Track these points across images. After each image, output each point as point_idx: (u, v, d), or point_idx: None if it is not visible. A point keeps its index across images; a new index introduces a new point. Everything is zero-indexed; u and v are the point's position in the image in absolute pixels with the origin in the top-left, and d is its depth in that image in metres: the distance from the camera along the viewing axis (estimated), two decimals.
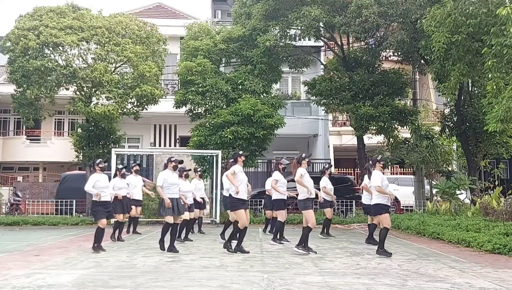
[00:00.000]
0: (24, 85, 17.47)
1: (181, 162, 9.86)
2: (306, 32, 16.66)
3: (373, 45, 17.70)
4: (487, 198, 13.86)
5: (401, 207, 19.89)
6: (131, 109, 18.73)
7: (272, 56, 18.53)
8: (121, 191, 11.19)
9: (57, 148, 25.29)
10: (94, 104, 17.85)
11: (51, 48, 17.48)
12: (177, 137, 26.61)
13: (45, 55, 17.53)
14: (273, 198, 10.82)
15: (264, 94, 18.69)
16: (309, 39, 18.35)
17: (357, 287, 6.00)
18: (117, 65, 18.51)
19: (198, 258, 8.51)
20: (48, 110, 19.23)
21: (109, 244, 10.60)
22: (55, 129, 27.35)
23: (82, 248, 9.76)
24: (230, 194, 9.27)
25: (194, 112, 18.82)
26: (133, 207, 11.81)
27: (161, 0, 29.11)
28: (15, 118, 27.27)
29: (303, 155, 9.38)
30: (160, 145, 26.54)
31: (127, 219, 12.26)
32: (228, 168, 9.64)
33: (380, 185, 8.76)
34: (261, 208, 16.31)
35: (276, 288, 5.88)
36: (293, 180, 12.16)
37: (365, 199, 10.76)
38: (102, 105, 17.62)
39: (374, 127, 17.57)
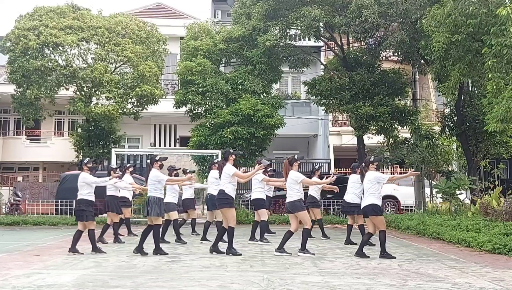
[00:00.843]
0: (24, 85, 17.49)
1: (165, 159, 9.71)
2: (306, 32, 16.66)
3: (373, 45, 17.70)
4: (487, 198, 13.85)
5: (401, 207, 19.89)
6: (131, 109, 18.75)
7: (272, 56, 18.53)
8: (117, 191, 11.19)
9: (57, 148, 25.30)
10: (94, 104, 17.87)
11: (51, 48, 17.51)
12: (177, 137, 26.62)
13: (45, 55, 17.56)
14: (252, 197, 10.80)
15: (264, 94, 18.70)
16: (309, 39, 18.36)
17: (357, 287, 6.00)
18: (117, 65, 18.54)
19: (198, 258, 8.50)
20: (48, 110, 19.25)
21: (109, 244, 10.61)
22: (55, 129, 27.36)
23: (82, 248, 9.75)
24: (221, 190, 8.91)
25: (194, 112, 18.81)
26: (123, 208, 11.74)
27: (161, 0, 29.11)
28: (15, 118, 27.28)
29: (295, 156, 9.20)
30: (160, 145, 26.56)
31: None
32: (220, 167, 9.34)
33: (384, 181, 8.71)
34: None
35: (276, 288, 5.88)
36: None
37: (352, 197, 10.59)
38: (102, 105, 17.64)
39: (374, 127, 17.57)
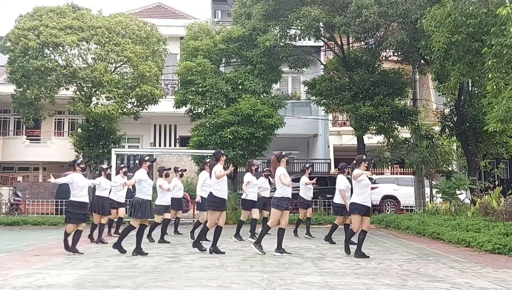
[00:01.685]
0: (24, 85, 17.48)
1: (154, 160, 9.68)
2: (306, 32, 16.66)
3: (373, 45, 17.70)
4: (487, 198, 13.85)
5: (401, 207, 19.89)
6: (131, 109, 18.74)
7: (272, 56, 18.54)
8: (104, 192, 11.09)
9: (57, 148, 25.30)
10: (94, 104, 17.86)
11: (51, 48, 17.49)
12: (177, 137, 26.62)
13: (45, 55, 17.54)
14: (243, 197, 10.94)
15: (264, 94, 18.70)
16: (309, 39, 18.37)
17: (357, 287, 6.00)
18: (117, 65, 18.53)
19: (198, 258, 8.50)
20: (48, 110, 19.24)
21: (109, 244, 10.60)
22: (55, 129, 27.36)
23: (82, 248, 9.74)
24: (211, 193, 9.02)
25: (194, 112, 18.82)
26: (120, 209, 11.72)
27: (161, 0, 29.12)
28: (15, 118, 27.28)
29: (283, 153, 9.30)
30: (160, 145, 26.56)
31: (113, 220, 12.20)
32: (211, 166, 9.40)
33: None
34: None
35: (276, 288, 5.88)
36: (297, 180, 12.31)
37: (339, 198, 10.70)
38: (102, 105, 17.63)
39: (374, 127, 17.57)
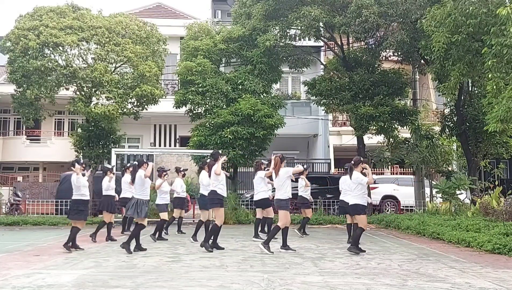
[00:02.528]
0: (24, 85, 17.47)
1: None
2: (306, 32, 16.66)
3: (373, 45, 17.70)
4: (487, 198, 13.85)
5: (401, 207, 19.89)
6: (131, 109, 18.73)
7: (272, 56, 18.54)
8: (110, 191, 11.29)
9: (57, 148, 25.31)
10: (94, 104, 17.85)
11: (51, 48, 17.48)
12: (177, 137, 26.62)
13: (45, 55, 17.53)
14: (259, 197, 10.98)
15: (264, 94, 18.70)
16: (309, 39, 18.36)
17: (357, 287, 6.00)
18: (117, 65, 18.51)
19: (198, 258, 8.50)
20: (48, 110, 19.23)
21: (109, 244, 10.61)
22: (55, 129, 27.37)
23: (83, 247, 9.74)
24: (213, 191, 9.32)
25: (194, 112, 18.82)
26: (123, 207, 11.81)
27: (161, 0, 29.12)
28: (15, 118, 27.29)
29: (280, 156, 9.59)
30: (160, 145, 26.56)
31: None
32: (209, 167, 9.80)
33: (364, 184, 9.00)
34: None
35: (276, 288, 5.88)
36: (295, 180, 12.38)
37: (348, 198, 10.82)
38: (102, 105, 17.62)
39: (374, 127, 17.56)
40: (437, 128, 19.14)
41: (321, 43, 21.56)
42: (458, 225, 11.82)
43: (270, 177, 11.30)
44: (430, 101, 24.65)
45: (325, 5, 16.68)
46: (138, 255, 8.79)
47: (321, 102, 18.79)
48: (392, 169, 24.17)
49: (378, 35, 16.93)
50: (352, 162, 9.40)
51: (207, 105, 18.27)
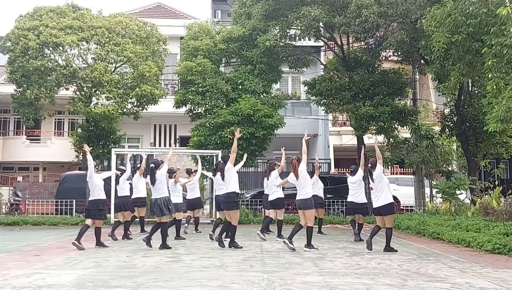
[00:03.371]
0: (24, 85, 17.49)
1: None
2: (306, 32, 16.65)
3: (373, 45, 17.69)
4: (487, 198, 13.84)
5: (401, 207, 19.88)
6: (131, 109, 18.75)
7: (272, 56, 18.53)
8: (126, 191, 11.45)
9: (57, 148, 25.31)
10: (94, 104, 17.87)
11: (51, 48, 17.50)
12: (177, 137, 26.62)
13: (45, 55, 17.55)
14: (275, 197, 11.03)
15: (264, 94, 18.69)
16: (309, 39, 18.35)
17: (357, 287, 6.00)
18: (117, 65, 18.53)
19: (198, 258, 8.51)
20: (48, 110, 19.25)
21: (109, 244, 10.61)
22: (55, 129, 27.37)
23: (86, 246, 9.74)
24: (233, 192, 9.57)
25: (194, 112, 18.81)
26: (136, 207, 11.87)
27: (161, 0, 29.12)
28: (15, 118, 27.29)
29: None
30: (160, 145, 26.56)
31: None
32: (220, 169, 10.06)
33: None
34: (261, 207, 16.33)
35: (276, 288, 5.88)
36: None
37: (360, 198, 10.86)
38: (102, 105, 17.64)
39: (374, 127, 17.56)
40: (437, 128, 19.14)
41: (321, 43, 21.55)
42: (458, 225, 11.81)
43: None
44: (430, 101, 24.64)
45: (325, 5, 16.67)
46: (138, 255, 8.80)
47: (321, 102, 18.78)
48: (392, 169, 24.16)
49: (378, 35, 16.93)
50: (370, 165, 9.47)
51: (207, 105, 18.27)
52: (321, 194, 12.41)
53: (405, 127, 18.45)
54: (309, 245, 9.38)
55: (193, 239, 11.61)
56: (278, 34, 17.86)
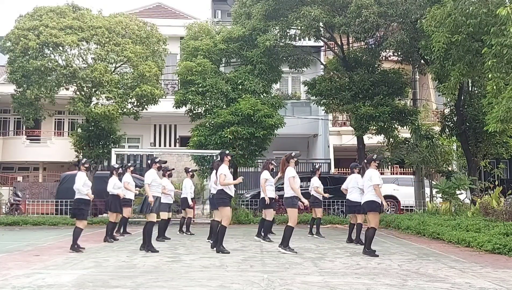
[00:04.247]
0: (24, 85, 17.47)
1: (164, 162, 10.11)
2: (306, 32, 16.66)
3: (373, 45, 17.70)
4: (487, 198, 13.85)
5: (401, 207, 19.89)
6: (131, 109, 18.73)
7: (272, 56, 18.53)
8: (119, 191, 11.29)
9: (57, 148, 25.31)
10: (94, 104, 17.85)
11: (51, 48, 17.49)
12: (177, 137, 26.63)
13: (45, 55, 17.53)
14: (262, 196, 10.93)
15: (264, 94, 18.69)
16: (309, 39, 18.36)
17: (357, 287, 6.00)
18: (117, 65, 18.52)
19: (198, 258, 8.50)
20: (48, 110, 19.23)
21: (109, 244, 10.62)
22: (55, 129, 27.37)
23: (85, 246, 9.74)
24: (222, 189, 9.15)
25: (194, 112, 18.81)
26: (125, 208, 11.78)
27: (161, 0, 29.12)
28: (15, 118, 27.30)
29: (293, 154, 9.47)
30: (160, 145, 26.57)
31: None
32: (215, 167, 9.77)
33: (379, 183, 8.77)
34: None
35: (276, 288, 5.88)
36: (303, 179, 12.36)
37: (355, 196, 10.73)
38: (102, 105, 17.62)
39: (374, 127, 17.56)
40: (437, 128, 19.14)
41: (321, 43, 21.55)
42: (458, 225, 11.82)
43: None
44: (430, 101, 24.65)
45: (325, 5, 16.67)
46: (138, 255, 8.80)
47: (321, 102, 18.79)
48: (392, 169, 24.16)
49: (378, 35, 16.93)
50: (365, 160, 9.31)
51: (207, 105, 18.27)
52: (318, 195, 12.21)
53: (405, 127, 18.46)
54: (284, 245, 9.05)
55: (193, 239, 11.61)
56: (278, 34, 17.86)
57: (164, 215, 11.37)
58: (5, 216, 17.38)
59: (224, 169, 9.19)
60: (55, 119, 26.43)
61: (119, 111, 17.76)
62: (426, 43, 13.81)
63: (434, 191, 17.12)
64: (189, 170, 12.83)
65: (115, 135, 18.86)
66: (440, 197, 16.50)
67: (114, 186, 11.26)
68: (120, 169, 11.74)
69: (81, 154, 18.45)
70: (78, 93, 18.07)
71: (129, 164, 12.68)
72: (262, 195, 10.96)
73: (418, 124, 18.20)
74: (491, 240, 9.41)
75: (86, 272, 7.02)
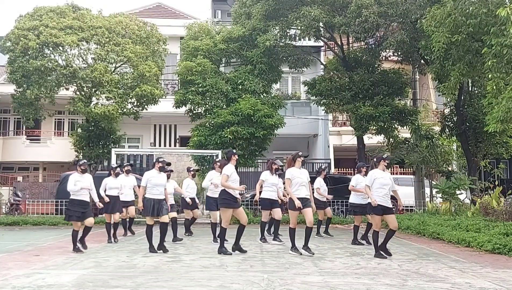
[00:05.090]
0: (24, 85, 17.48)
1: (168, 164, 9.75)
2: (306, 32, 16.66)
3: (373, 45, 17.70)
4: (487, 198, 13.85)
5: (401, 207, 19.85)
6: (131, 109, 18.73)
7: (272, 56, 18.53)
8: (112, 191, 11.13)
9: (57, 148, 25.32)
10: (94, 104, 17.86)
11: (51, 48, 17.49)
12: (177, 137, 26.63)
13: (45, 55, 17.53)
14: (260, 197, 10.75)
15: (264, 94, 18.70)
16: (309, 39, 18.36)
17: (357, 287, 6.00)
18: (117, 65, 18.52)
19: (198, 258, 8.50)
20: (48, 110, 19.23)
21: (109, 245, 10.61)
22: (55, 129, 27.38)
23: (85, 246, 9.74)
24: (224, 190, 8.87)
25: (194, 112, 18.82)
26: (123, 208, 11.68)
27: (161, 0, 29.12)
28: (15, 118, 27.30)
29: (300, 153, 9.22)
30: (160, 145, 26.57)
31: (121, 220, 12.12)
32: (221, 166, 9.44)
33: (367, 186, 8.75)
34: (261, 207, 16.28)
35: (276, 288, 5.88)
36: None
37: (357, 198, 10.72)
38: (102, 105, 17.62)
39: (374, 127, 17.56)
40: (437, 128, 19.14)
41: (321, 43, 21.55)
42: (458, 225, 11.82)
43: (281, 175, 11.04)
44: (430, 101, 24.65)
45: (325, 5, 16.67)
46: (138, 255, 8.80)
47: (321, 102, 18.79)
48: (392, 169, 24.15)
49: (378, 35, 16.93)
50: (375, 159, 9.06)
51: (207, 105, 18.27)
52: (321, 197, 12.18)
53: (405, 127, 18.46)
54: (290, 247, 8.99)
55: (193, 239, 11.61)
56: (278, 34, 17.86)
57: (165, 219, 11.25)
58: (5, 216, 17.38)
59: (229, 169, 8.85)
60: (55, 119, 26.43)
61: (119, 111, 17.76)
62: (426, 43, 13.81)
63: (434, 191, 17.11)
64: (191, 169, 12.76)
65: (115, 135, 18.86)
66: (440, 197, 16.50)
67: (106, 186, 11.14)
68: (118, 168, 11.69)
69: (81, 154, 18.45)
70: (78, 93, 18.07)
71: (125, 164, 12.48)
72: (262, 196, 10.81)
73: (418, 124, 18.20)
74: (491, 240, 9.41)
75: (86, 272, 7.02)
